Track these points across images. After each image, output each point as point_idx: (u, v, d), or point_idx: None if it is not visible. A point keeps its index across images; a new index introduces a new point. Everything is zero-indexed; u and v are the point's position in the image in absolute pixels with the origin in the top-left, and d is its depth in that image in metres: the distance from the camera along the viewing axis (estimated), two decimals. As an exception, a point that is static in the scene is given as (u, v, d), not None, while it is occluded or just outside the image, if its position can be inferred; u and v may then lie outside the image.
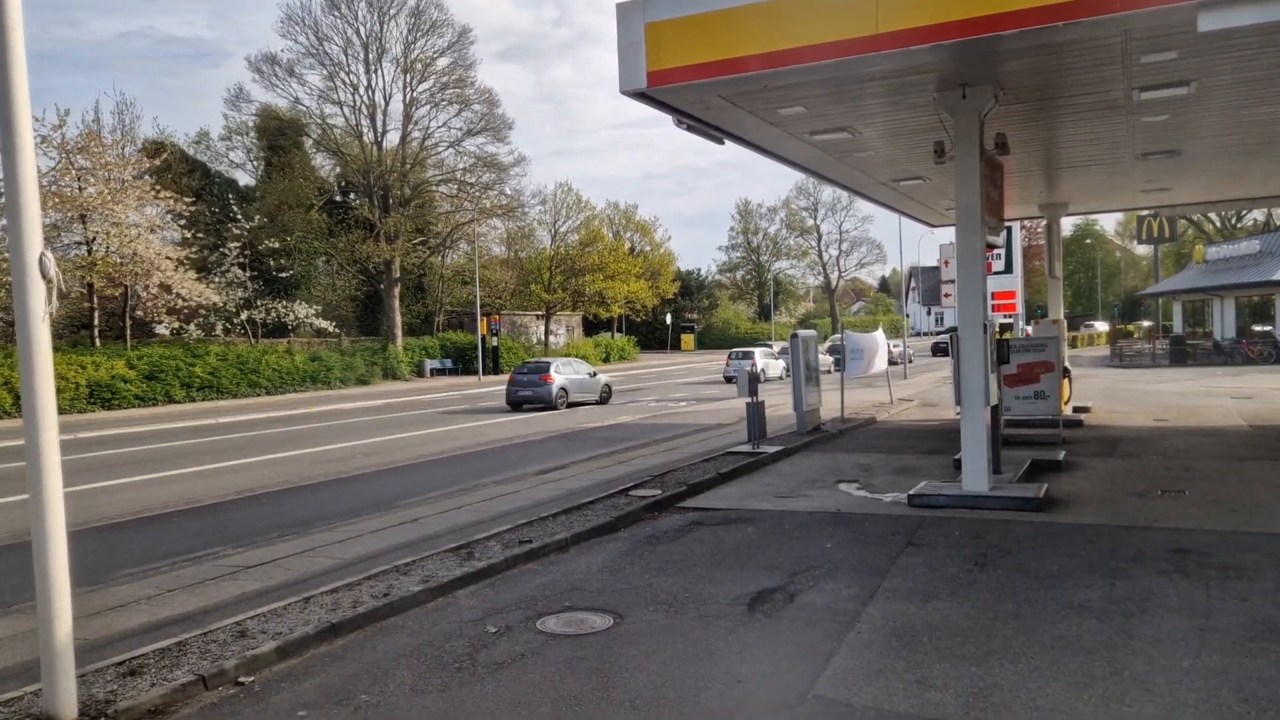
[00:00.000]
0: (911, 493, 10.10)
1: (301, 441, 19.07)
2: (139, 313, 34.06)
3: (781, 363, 35.56)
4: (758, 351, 37.05)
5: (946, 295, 21.71)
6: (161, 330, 34.58)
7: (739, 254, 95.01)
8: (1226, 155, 14.01)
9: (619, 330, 73.22)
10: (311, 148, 49.59)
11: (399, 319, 46.85)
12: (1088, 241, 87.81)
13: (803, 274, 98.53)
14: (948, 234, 31.77)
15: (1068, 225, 71.57)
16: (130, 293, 33.18)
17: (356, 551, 8.68)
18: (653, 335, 74.67)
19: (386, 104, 47.23)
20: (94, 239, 31.58)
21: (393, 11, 46.15)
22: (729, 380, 34.12)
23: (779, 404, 19.67)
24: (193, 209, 34.13)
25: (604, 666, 5.45)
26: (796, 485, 11.47)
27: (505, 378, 45.97)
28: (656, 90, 8.38)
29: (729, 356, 38.03)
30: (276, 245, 40.02)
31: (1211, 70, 9.14)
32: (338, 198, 47.46)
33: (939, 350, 52.30)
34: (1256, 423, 16.42)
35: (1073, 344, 57.13)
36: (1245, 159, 14.45)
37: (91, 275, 31.35)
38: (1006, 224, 17.43)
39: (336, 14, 45.57)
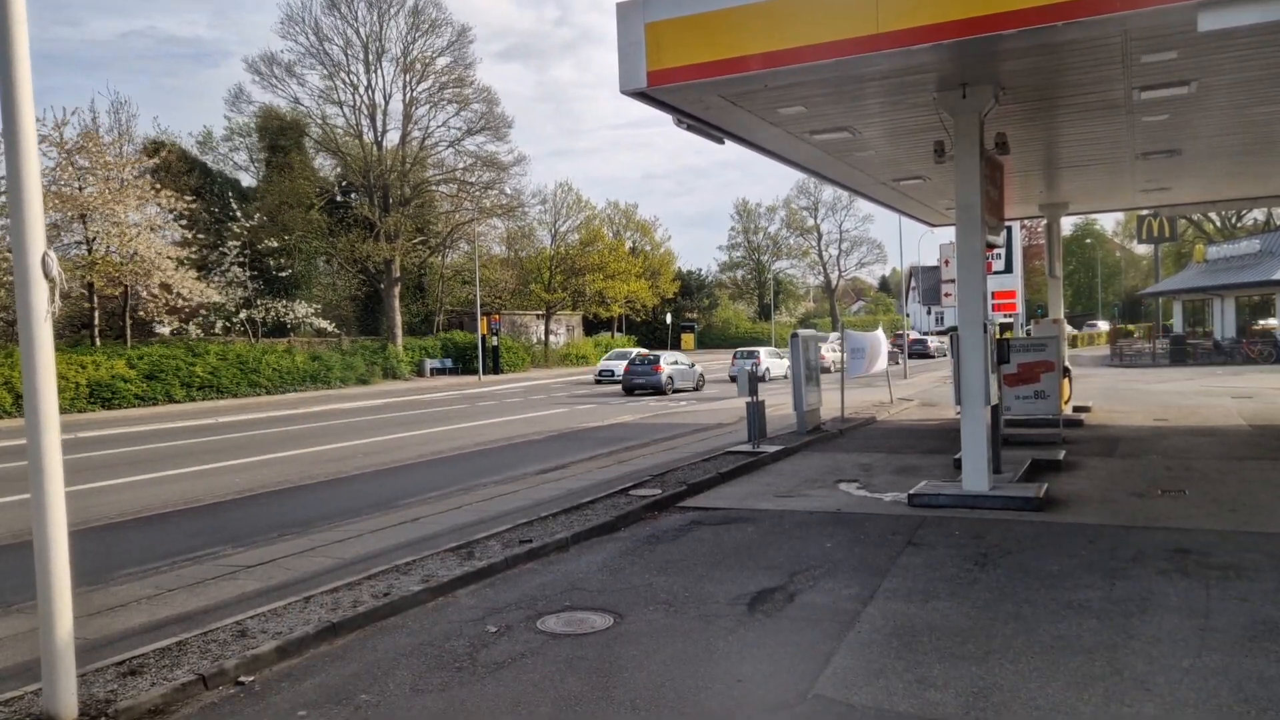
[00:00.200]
0: (911, 492, 10.11)
1: (301, 441, 19.08)
2: (139, 312, 34.06)
3: (785, 362, 35.67)
4: (763, 351, 37.20)
5: (947, 295, 21.76)
6: (161, 330, 34.58)
7: (739, 253, 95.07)
8: (1226, 155, 14.01)
9: (619, 330, 73.24)
10: (312, 148, 49.63)
11: (399, 318, 46.87)
12: (1088, 241, 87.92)
13: (803, 274, 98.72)
14: (948, 234, 31.77)
15: (1068, 225, 71.71)
16: (130, 292, 33.17)
17: (356, 551, 8.68)
18: (653, 335, 74.64)
19: (386, 103, 47.38)
20: (94, 239, 31.57)
21: (392, 11, 46.27)
22: (734, 380, 34.20)
23: (780, 403, 19.68)
24: (192, 206, 34.12)
25: (604, 666, 5.46)
26: (796, 485, 11.47)
27: (506, 378, 46.73)
28: (656, 90, 8.38)
29: (734, 356, 38.18)
30: (276, 245, 40.03)
31: (1211, 70, 9.14)
32: (338, 197, 47.46)
33: (915, 354, 51.40)
34: (1256, 422, 16.42)
35: (1073, 343, 57.09)
36: (1245, 159, 14.45)
37: (92, 275, 31.35)
38: (1006, 224, 17.43)
39: (336, 14, 45.75)
